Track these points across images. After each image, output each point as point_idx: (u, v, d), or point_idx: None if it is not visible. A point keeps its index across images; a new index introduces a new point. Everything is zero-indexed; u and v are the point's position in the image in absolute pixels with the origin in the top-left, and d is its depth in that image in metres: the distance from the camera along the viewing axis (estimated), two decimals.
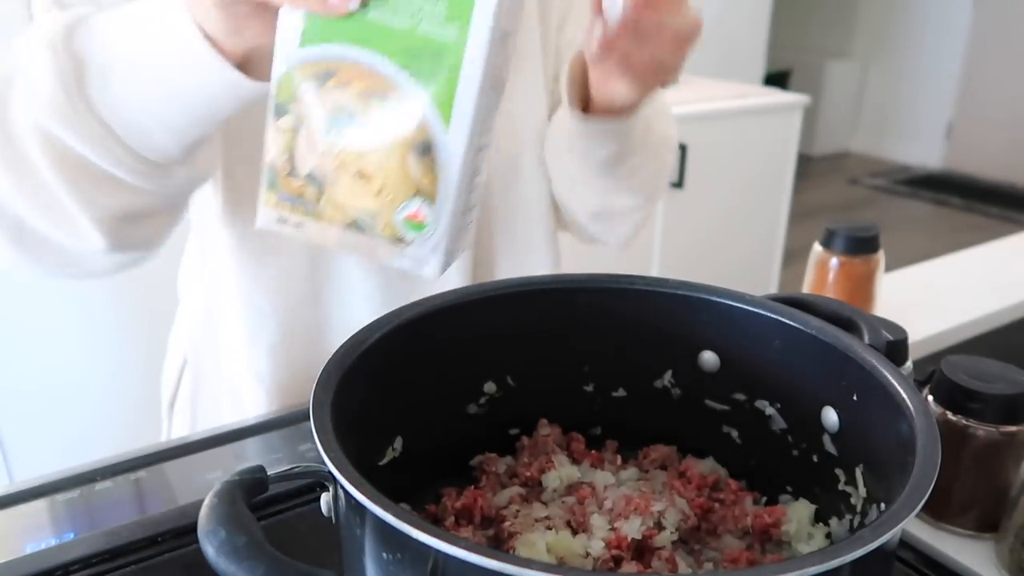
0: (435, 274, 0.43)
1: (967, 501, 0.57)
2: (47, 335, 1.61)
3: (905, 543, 0.58)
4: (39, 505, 0.59)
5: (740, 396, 0.55)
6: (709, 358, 0.55)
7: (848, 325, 0.51)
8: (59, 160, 0.51)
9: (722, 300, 0.54)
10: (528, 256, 0.84)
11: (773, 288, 2.71)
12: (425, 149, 0.40)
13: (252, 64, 0.48)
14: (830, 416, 0.50)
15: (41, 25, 0.52)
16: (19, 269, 0.58)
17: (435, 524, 0.49)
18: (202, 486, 0.62)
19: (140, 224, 0.58)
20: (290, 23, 0.40)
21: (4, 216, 0.55)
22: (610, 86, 0.60)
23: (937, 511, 0.59)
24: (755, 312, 0.53)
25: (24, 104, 0.51)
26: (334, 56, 0.40)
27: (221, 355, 0.79)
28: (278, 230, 0.44)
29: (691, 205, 2.45)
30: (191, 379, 0.83)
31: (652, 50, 0.54)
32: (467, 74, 0.38)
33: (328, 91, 0.40)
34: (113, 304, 1.65)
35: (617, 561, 0.46)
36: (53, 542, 0.55)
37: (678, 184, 2.39)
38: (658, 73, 0.57)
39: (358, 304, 0.76)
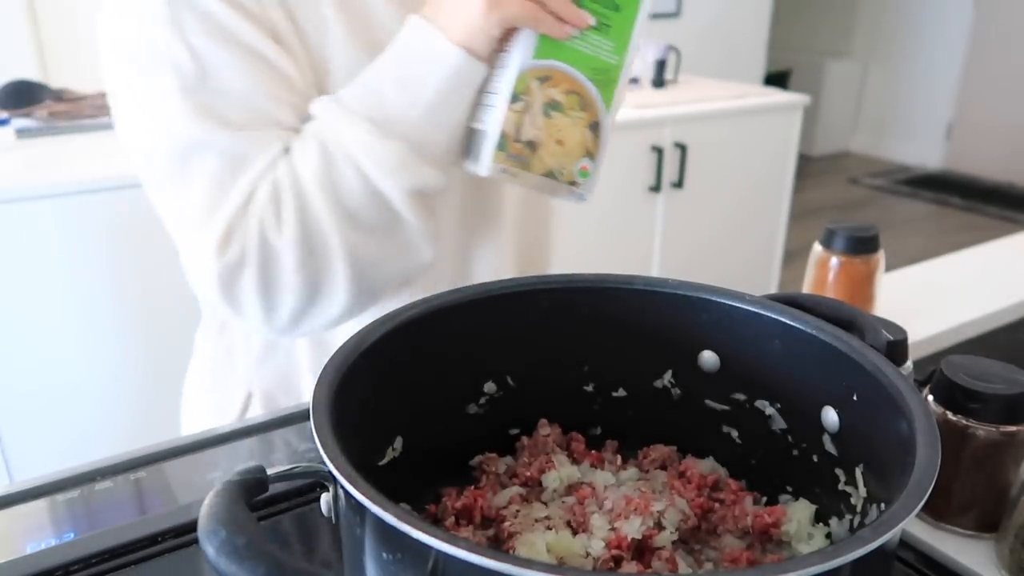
0: (588, 200, 0.70)
1: (967, 501, 0.57)
2: (47, 335, 1.61)
3: (905, 543, 0.58)
4: (39, 505, 0.59)
5: (740, 396, 0.55)
6: (709, 358, 0.55)
7: (848, 325, 0.50)
8: (414, 205, 0.67)
9: (722, 300, 0.54)
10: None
11: (773, 288, 2.71)
12: (596, 127, 0.67)
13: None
14: (830, 416, 0.50)
15: (336, 132, 0.65)
16: (351, 316, 0.71)
17: (435, 524, 0.49)
18: (202, 486, 0.62)
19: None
20: (529, 42, 0.63)
21: (368, 288, 0.69)
22: None
23: (937, 511, 0.59)
24: (755, 312, 0.53)
25: (395, 178, 0.65)
26: (552, 67, 0.64)
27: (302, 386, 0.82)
28: (498, 177, 0.66)
29: (691, 205, 2.45)
30: (262, 408, 0.83)
31: None
32: (621, 82, 0.67)
33: (545, 88, 0.64)
34: (113, 304, 1.65)
35: (617, 561, 0.46)
36: (53, 542, 0.55)
37: (678, 184, 2.39)
38: None
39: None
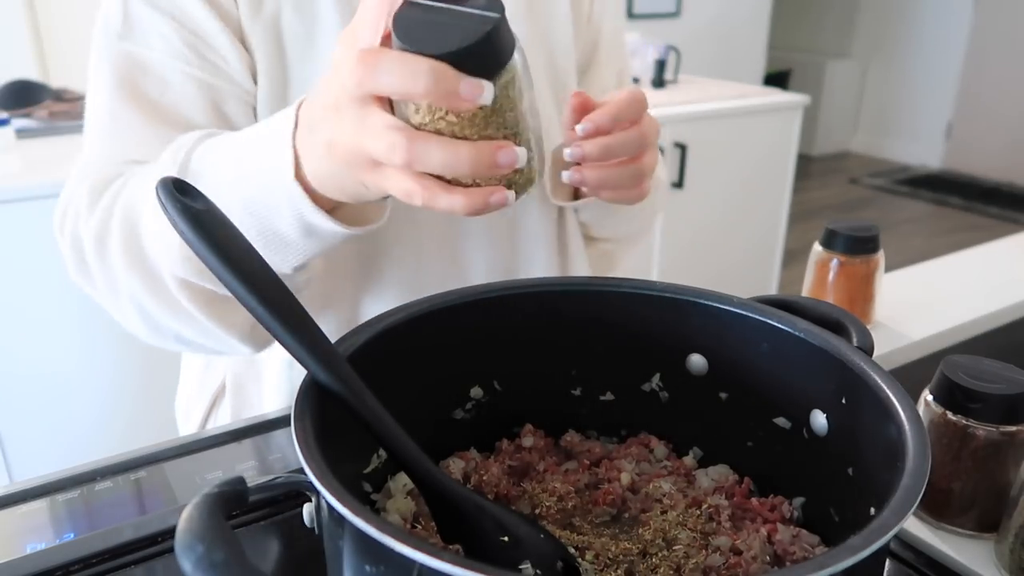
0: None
1: (967, 501, 0.57)
2: (47, 335, 1.61)
3: (905, 543, 0.58)
4: (39, 505, 0.59)
5: (728, 399, 0.55)
6: (697, 361, 0.55)
7: (836, 327, 0.50)
8: (195, 296, 0.60)
9: (709, 303, 0.53)
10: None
11: (773, 289, 2.71)
12: None
13: (345, 210, 0.53)
14: (819, 419, 0.49)
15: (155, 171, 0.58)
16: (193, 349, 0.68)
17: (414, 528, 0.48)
18: (202, 486, 0.62)
19: None
20: None
21: (164, 331, 0.66)
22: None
23: (937, 511, 0.59)
24: (742, 315, 0.52)
25: (159, 253, 0.58)
26: None
27: (263, 376, 0.80)
28: None
29: (691, 205, 2.45)
30: (232, 400, 0.82)
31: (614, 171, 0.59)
32: None
33: None
34: None
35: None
36: (53, 542, 0.55)
37: (678, 184, 2.39)
38: (622, 185, 0.61)
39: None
